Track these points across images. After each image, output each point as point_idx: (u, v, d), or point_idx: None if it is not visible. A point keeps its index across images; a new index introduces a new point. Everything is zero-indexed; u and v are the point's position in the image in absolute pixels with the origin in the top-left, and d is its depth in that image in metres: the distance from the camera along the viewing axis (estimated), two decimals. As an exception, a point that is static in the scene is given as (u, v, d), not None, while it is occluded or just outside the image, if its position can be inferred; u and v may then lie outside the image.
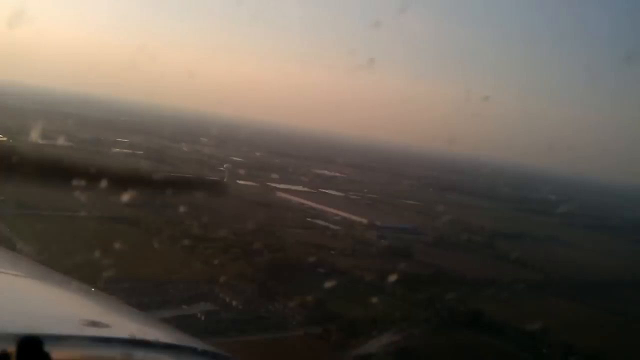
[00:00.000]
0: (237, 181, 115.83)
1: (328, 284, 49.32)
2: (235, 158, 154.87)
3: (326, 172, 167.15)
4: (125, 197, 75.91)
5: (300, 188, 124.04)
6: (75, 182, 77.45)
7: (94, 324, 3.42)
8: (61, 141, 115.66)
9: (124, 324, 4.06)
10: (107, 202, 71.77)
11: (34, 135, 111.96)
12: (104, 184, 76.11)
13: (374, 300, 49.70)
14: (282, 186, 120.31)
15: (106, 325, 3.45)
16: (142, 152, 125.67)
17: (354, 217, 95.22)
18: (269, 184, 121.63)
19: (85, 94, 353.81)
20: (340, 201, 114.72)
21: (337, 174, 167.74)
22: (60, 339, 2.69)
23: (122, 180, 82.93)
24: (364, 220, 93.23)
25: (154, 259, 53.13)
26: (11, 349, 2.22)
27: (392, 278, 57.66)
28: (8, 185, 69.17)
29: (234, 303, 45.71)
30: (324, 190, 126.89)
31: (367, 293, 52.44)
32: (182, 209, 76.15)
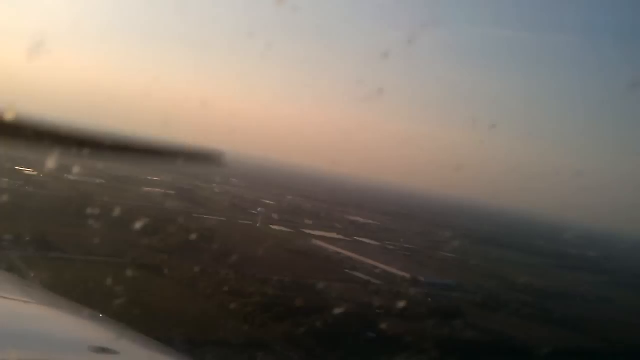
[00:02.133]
0: (271, 226, 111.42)
1: (379, 351, 44.26)
2: (266, 201, 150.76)
3: (359, 219, 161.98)
4: (160, 243, 72.25)
5: (334, 235, 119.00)
6: (106, 223, 73.51)
7: (102, 350, 3.35)
8: (94, 178, 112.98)
9: (132, 351, 4.02)
10: (141, 248, 68.02)
11: (64, 172, 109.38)
12: (137, 226, 72.22)
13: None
14: (316, 233, 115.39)
15: (115, 352, 3.38)
16: (174, 192, 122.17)
17: (394, 271, 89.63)
18: (303, 230, 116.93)
19: (102, 127, 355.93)
20: (378, 251, 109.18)
21: (371, 222, 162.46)
22: None
23: (156, 224, 79.07)
24: (406, 275, 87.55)
25: (188, 316, 48.17)
26: None
27: (452, 347, 52.40)
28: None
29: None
30: (359, 239, 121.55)
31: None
32: (217, 256, 71.94)
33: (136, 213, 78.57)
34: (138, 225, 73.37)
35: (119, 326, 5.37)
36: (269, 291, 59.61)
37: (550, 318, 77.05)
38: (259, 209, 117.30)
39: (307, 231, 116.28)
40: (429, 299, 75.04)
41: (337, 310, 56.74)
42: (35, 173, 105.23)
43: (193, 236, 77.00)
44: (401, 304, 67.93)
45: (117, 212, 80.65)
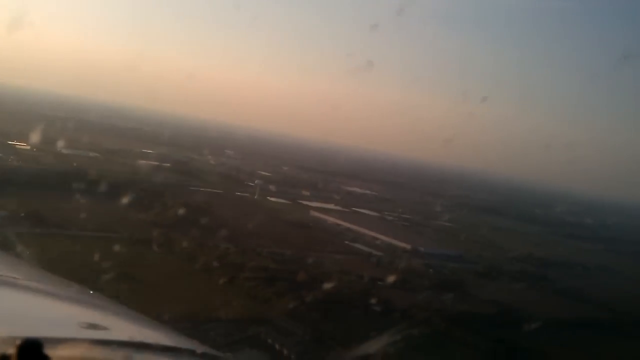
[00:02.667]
0: (269, 198, 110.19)
1: (387, 326, 43.34)
2: (263, 172, 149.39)
3: (356, 189, 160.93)
4: (158, 217, 70.89)
5: (333, 206, 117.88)
6: (104, 197, 71.99)
7: (93, 326, 3.36)
8: (87, 152, 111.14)
9: (122, 327, 3.98)
10: (137, 222, 66.73)
11: (59, 144, 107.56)
12: (134, 199, 70.77)
13: (446, 350, 43.34)
14: (314, 204, 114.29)
15: (105, 328, 3.39)
16: (169, 165, 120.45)
17: (394, 242, 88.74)
18: (300, 201, 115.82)
19: (91, 98, 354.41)
20: (377, 222, 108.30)
21: (368, 192, 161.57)
22: (60, 342, 2.61)
23: (153, 197, 77.68)
24: (407, 246, 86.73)
25: (190, 292, 47.02)
26: (11, 351, 2.16)
27: (456, 318, 51.78)
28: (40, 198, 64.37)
29: (284, 352, 39.41)
30: (357, 210, 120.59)
31: (434, 341, 46.08)
32: (216, 230, 70.68)
33: (133, 187, 77.05)
34: (135, 198, 72.06)
35: (109, 302, 5.26)
36: (270, 265, 58.53)
37: (553, 288, 76.68)
38: (256, 181, 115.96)
39: (305, 202, 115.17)
40: (431, 270, 74.29)
41: (340, 284, 55.94)
42: (28, 147, 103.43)
43: (191, 209, 75.73)
44: (403, 276, 67.23)
45: (113, 185, 79.21)
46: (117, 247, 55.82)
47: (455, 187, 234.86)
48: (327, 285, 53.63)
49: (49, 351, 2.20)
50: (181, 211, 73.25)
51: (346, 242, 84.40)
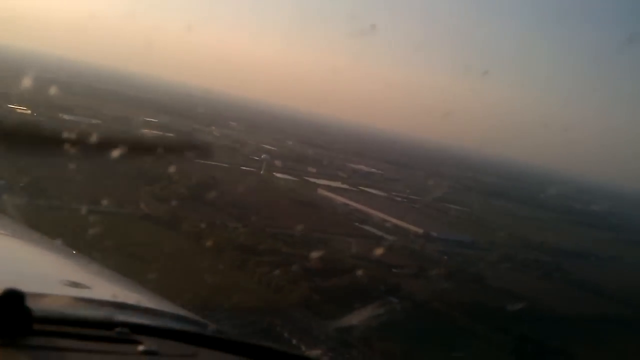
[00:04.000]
0: (275, 174, 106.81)
1: (407, 322, 40.38)
2: (268, 146, 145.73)
3: (362, 167, 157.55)
4: (163, 191, 67.41)
5: (339, 185, 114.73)
6: (103, 168, 68.56)
7: (75, 284, 3.34)
8: (88, 118, 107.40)
9: (105, 286, 4.02)
10: (140, 196, 63.35)
11: (59, 111, 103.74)
12: (138, 172, 67.29)
13: (471, 349, 40.32)
14: (321, 182, 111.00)
15: (87, 287, 3.38)
16: (173, 135, 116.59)
17: (405, 225, 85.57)
18: (307, 178, 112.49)
19: (102, 66, 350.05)
20: (386, 203, 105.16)
21: (374, 170, 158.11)
22: (42, 297, 2.63)
23: (157, 170, 74.16)
24: (418, 230, 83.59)
25: (198, 277, 43.72)
26: None
27: (479, 313, 48.87)
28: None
29: (302, 349, 36.26)
30: (365, 189, 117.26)
31: (456, 338, 43.08)
32: (223, 207, 67.52)
33: (135, 158, 73.65)
34: (138, 171, 68.65)
35: (91, 262, 5.06)
36: (281, 247, 55.19)
37: (571, 280, 73.80)
38: (262, 156, 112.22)
39: (312, 180, 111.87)
40: (445, 257, 71.37)
41: (354, 271, 52.79)
42: (29, 112, 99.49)
43: (196, 184, 72.49)
44: (418, 263, 64.30)
45: (115, 156, 75.84)
46: (118, 223, 52.74)
47: (459, 168, 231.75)
48: (341, 273, 50.69)
49: (30, 304, 2.19)
50: (186, 185, 70.04)
51: (356, 223, 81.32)
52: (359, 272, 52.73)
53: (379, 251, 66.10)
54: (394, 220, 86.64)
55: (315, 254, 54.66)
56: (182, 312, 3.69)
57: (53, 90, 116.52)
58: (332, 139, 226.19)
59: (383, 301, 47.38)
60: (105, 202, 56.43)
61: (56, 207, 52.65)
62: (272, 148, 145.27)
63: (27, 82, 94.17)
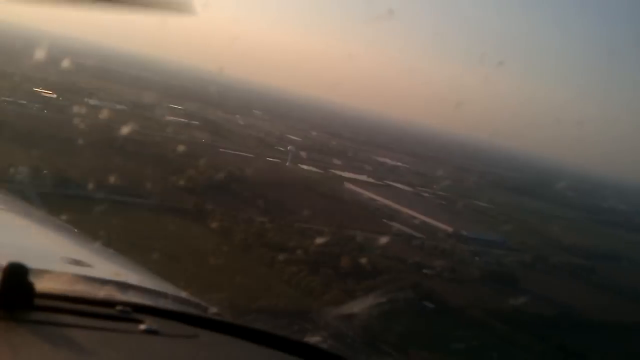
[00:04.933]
0: (300, 165, 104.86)
1: (446, 330, 38.21)
2: (292, 137, 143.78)
3: (387, 160, 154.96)
4: (189, 182, 65.69)
5: (365, 178, 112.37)
6: (129, 156, 67.05)
7: (76, 262, 3.38)
8: (114, 104, 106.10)
9: (106, 266, 4.01)
10: (166, 187, 61.65)
11: (83, 96, 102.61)
12: (164, 161, 65.76)
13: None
14: (347, 175, 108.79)
15: (89, 265, 3.41)
16: (198, 123, 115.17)
17: (434, 222, 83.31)
18: (333, 171, 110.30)
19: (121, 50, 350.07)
20: (413, 199, 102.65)
21: (399, 164, 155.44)
22: (44, 273, 2.64)
23: (183, 159, 72.61)
24: (448, 228, 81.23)
25: (224, 275, 41.87)
26: None
27: (515, 320, 46.61)
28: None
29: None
30: (391, 183, 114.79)
31: (496, 348, 40.84)
32: (250, 200, 65.74)
33: (162, 147, 72.26)
34: (164, 160, 67.06)
35: (93, 242, 4.99)
36: (310, 245, 52.99)
37: (606, 284, 70.85)
38: (288, 147, 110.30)
39: (338, 172, 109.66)
40: (477, 258, 69.00)
41: (386, 272, 50.82)
42: (54, 96, 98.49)
43: (223, 175, 70.75)
44: (450, 264, 62.06)
45: (142, 144, 74.32)
46: (143, 216, 51.14)
47: (480, 161, 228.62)
48: (373, 274, 48.66)
49: (33, 280, 2.21)
50: (212, 176, 68.31)
51: (384, 220, 79.13)
52: (392, 274, 50.77)
53: (410, 251, 64.12)
54: (423, 217, 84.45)
55: (345, 253, 52.80)
56: (183, 294, 3.63)
57: (77, 73, 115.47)
58: (354, 130, 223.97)
59: (418, 307, 45.42)
60: (128, 191, 54.94)
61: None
62: (297, 138, 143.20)
63: (51, 66, 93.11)
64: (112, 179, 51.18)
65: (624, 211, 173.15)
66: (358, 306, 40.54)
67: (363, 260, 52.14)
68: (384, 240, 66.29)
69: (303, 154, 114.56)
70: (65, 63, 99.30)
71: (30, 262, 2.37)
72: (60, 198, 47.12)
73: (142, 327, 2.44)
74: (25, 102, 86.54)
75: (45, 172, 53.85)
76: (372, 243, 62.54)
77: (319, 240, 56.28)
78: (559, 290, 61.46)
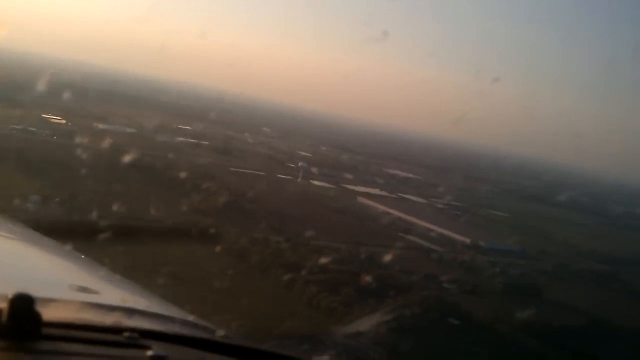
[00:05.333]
0: (312, 181, 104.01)
1: (475, 349, 36.99)
2: (302, 153, 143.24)
3: (398, 172, 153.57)
4: (201, 203, 64.89)
5: (378, 192, 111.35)
6: (140, 180, 66.47)
7: (84, 289, 3.37)
8: (123, 127, 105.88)
9: (114, 292, 4.04)
10: (177, 209, 60.70)
11: (92, 120, 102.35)
12: (175, 183, 65.12)
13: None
14: (359, 189, 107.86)
15: (96, 292, 3.42)
16: (207, 143, 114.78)
17: (450, 234, 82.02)
18: (345, 185, 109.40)
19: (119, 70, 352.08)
20: (427, 211, 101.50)
21: (411, 175, 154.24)
22: (50, 302, 2.64)
23: (195, 180, 71.96)
24: (465, 240, 79.93)
25: (243, 297, 40.83)
26: (3, 305, 2.22)
27: (545, 334, 45.27)
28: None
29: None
30: (404, 196, 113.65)
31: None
32: (263, 219, 64.80)
33: (174, 168, 71.53)
34: (176, 182, 66.30)
35: (100, 267, 5.03)
36: (328, 263, 51.79)
37: (632, 292, 69.05)
38: (299, 164, 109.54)
39: (350, 187, 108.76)
40: (497, 269, 67.43)
41: (408, 290, 49.67)
42: (63, 121, 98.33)
43: (235, 194, 70.06)
44: (471, 277, 60.85)
45: (153, 167, 73.77)
46: (155, 240, 50.18)
47: (492, 170, 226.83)
48: (395, 292, 47.46)
49: (39, 309, 2.21)
50: (225, 197, 67.49)
51: (400, 233, 77.85)
52: (414, 291, 49.60)
53: (429, 265, 62.91)
54: (439, 229, 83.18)
55: (364, 271, 51.65)
56: (190, 317, 3.62)
57: (81, 97, 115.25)
58: (362, 142, 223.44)
59: (443, 324, 44.19)
60: (139, 216, 54.20)
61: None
62: (307, 154, 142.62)
63: (55, 90, 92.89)
64: (120, 205, 50.48)
65: (637, 214, 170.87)
66: (382, 325, 39.51)
67: (383, 277, 51.02)
68: (402, 254, 65.24)
69: (314, 169, 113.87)
70: (72, 87, 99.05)
71: (37, 291, 2.35)
72: (72, 225, 46.42)
73: (150, 353, 2.40)
74: (34, 129, 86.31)
75: (57, 199, 53.24)
76: (390, 258, 61.38)
77: (337, 258, 55.31)
78: (584, 299, 59.88)
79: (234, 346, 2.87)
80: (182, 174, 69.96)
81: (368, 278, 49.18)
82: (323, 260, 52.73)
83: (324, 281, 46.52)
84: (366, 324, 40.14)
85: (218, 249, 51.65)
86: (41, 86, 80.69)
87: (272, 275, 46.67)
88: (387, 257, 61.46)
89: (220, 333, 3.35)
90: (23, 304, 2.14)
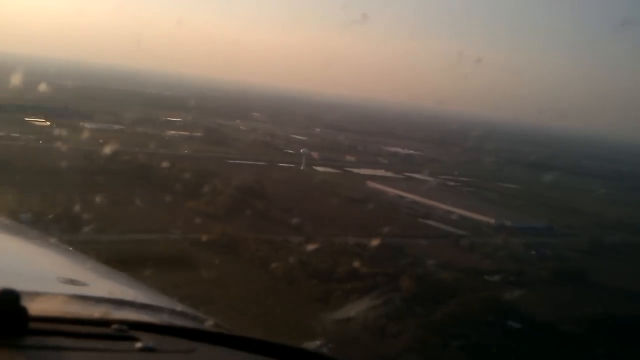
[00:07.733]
0: (316, 168, 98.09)
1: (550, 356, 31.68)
2: (297, 136, 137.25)
3: (398, 149, 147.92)
4: (207, 205, 58.74)
5: (384, 173, 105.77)
6: (136, 183, 60.42)
7: (71, 281, 3.32)
8: (111, 124, 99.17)
9: (101, 283, 3.99)
10: (184, 213, 54.63)
11: (77, 119, 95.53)
12: (174, 183, 59.09)
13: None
14: (365, 172, 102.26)
15: (84, 284, 3.37)
16: (200, 135, 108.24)
17: (472, 215, 76.45)
18: (350, 169, 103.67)
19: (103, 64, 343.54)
20: (439, 190, 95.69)
21: (412, 152, 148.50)
22: (37, 295, 2.65)
23: (195, 178, 65.75)
24: (489, 220, 74.63)
25: (273, 319, 35.09)
26: None
27: (613, 329, 40.08)
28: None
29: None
30: (411, 175, 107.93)
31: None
32: (277, 216, 59.18)
33: (169, 166, 65.21)
34: (174, 182, 60.15)
35: (87, 259, 4.85)
36: (360, 267, 46.00)
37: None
38: (301, 150, 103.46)
39: (355, 170, 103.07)
40: (533, 252, 62.35)
41: (453, 290, 44.18)
42: (47, 123, 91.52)
43: (240, 190, 64.16)
44: (510, 265, 55.49)
45: (148, 167, 67.53)
46: (167, 252, 44.29)
47: (490, 139, 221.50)
48: (441, 295, 41.99)
49: (26, 303, 2.21)
50: (231, 194, 61.64)
51: (419, 219, 72.38)
52: (459, 290, 44.07)
53: (462, 255, 57.48)
54: (458, 211, 77.46)
55: (399, 271, 46.06)
56: (180, 307, 3.53)
57: (59, 93, 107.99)
58: (353, 120, 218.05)
59: (505, 330, 38.77)
60: (144, 226, 48.27)
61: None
62: (302, 137, 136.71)
63: (32, 87, 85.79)
64: (114, 212, 44.50)
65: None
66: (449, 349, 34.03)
67: (422, 277, 45.41)
68: (430, 245, 59.84)
69: (314, 154, 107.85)
70: (50, 86, 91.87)
71: (24, 285, 2.33)
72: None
73: (139, 344, 2.41)
74: (17, 134, 79.69)
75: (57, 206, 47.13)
76: (420, 252, 55.89)
77: (363, 257, 49.56)
78: (633, 281, 54.72)
79: (224, 335, 2.81)
80: (177, 173, 63.86)
81: (406, 281, 43.64)
82: (351, 261, 47.03)
83: (361, 289, 40.83)
84: (420, 341, 34.46)
85: (233, 258, 45.89)
86: (21, 87, 74.10)
87: (302, 287, 40.97)
88: (418, 251, 56.09)
89: (210, 322, 3.26)
90: (8, 300, 2.12)
